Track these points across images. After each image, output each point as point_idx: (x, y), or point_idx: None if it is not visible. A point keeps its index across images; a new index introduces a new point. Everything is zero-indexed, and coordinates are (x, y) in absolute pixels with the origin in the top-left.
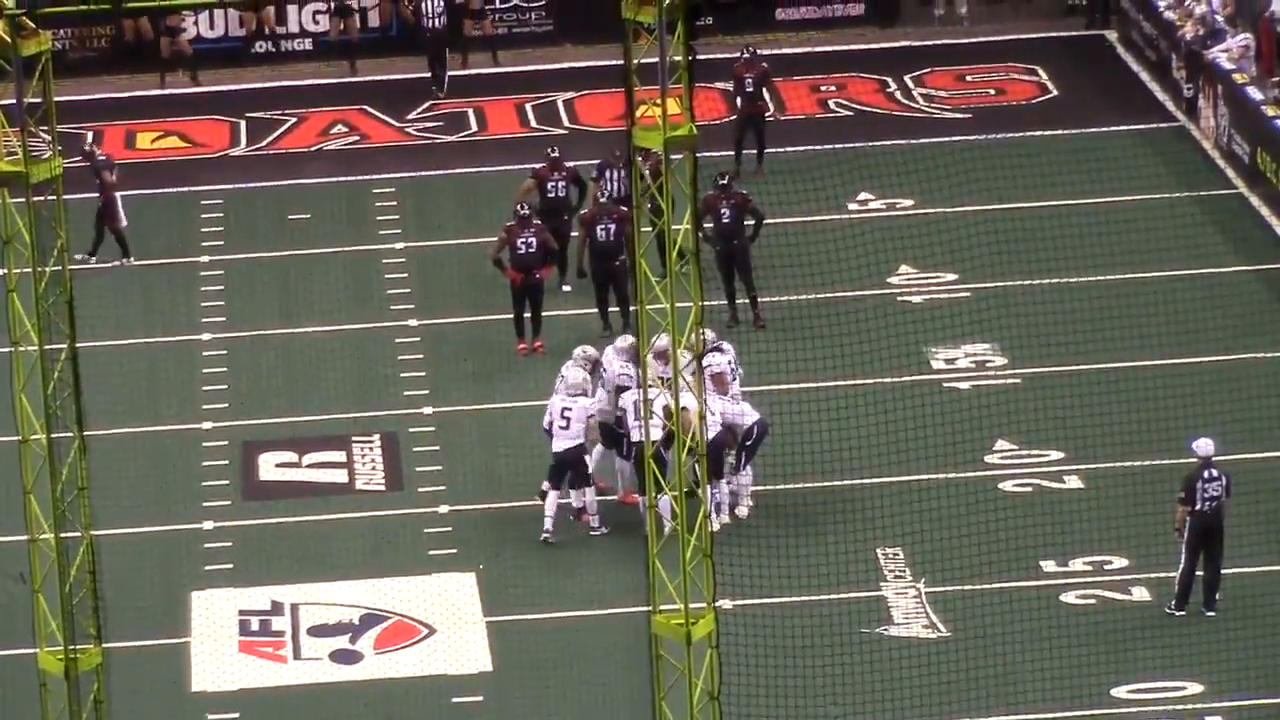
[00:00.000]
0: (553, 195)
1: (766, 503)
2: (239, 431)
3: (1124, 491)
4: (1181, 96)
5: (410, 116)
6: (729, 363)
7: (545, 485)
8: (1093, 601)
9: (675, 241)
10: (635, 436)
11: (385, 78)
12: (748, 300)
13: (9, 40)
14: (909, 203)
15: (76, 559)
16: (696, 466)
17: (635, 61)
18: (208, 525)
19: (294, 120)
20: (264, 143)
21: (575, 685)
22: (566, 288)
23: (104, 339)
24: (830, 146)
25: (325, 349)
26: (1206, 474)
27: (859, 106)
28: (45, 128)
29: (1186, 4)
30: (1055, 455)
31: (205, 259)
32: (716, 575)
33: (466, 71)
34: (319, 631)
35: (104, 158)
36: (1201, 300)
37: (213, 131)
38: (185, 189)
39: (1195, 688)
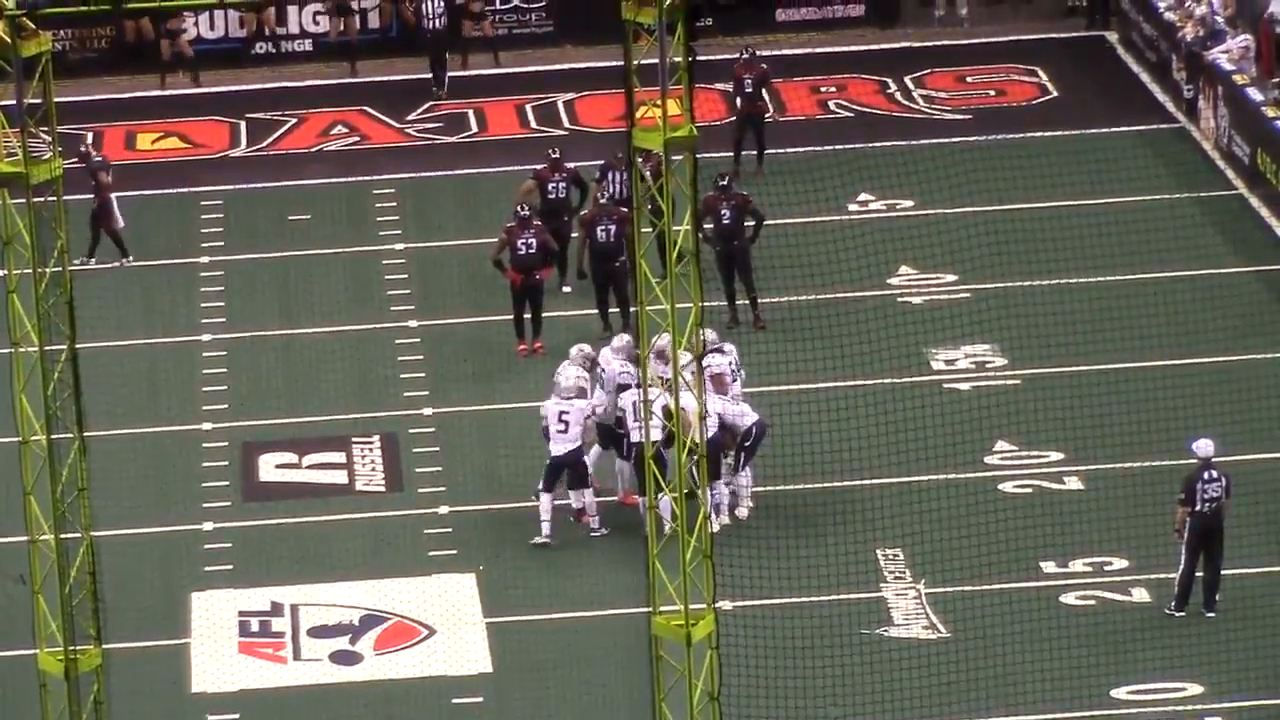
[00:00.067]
0: (553, 196)
1: (766, 504)
2: (239, 432)
3: (1124, 492)
4: (1182, 97)
5: (410, 117)
6: (730, 364)
7: (540, 489)
8: (1093, 602)
9: (675, 243)
10: (635, 437)
11: (385, 79)
12: (748, 301)
13: (9, 41)
14: (909, 204)
15: (76, 560)
16: (694, 469)
17: (635, 62)
18: (208, 526)
19: (294, 121)
20: (264, 143)
21: (575, 686)
22: (566, 289)
23: (104, 340)
24: (830, 147)
25: (325, 350)
26: (1206, 475)
27: (859, 107)
28: (45, 128)
29: (1187, 5)
30: (1055, 456)
31: (205, 260)
32: (716, 576)
33: (467, 72)
34: (319, 632)
35: (99, 159)
36: (1201, 301)
37: (213, 132)
38: (185, 190)
39: (1195, 689)
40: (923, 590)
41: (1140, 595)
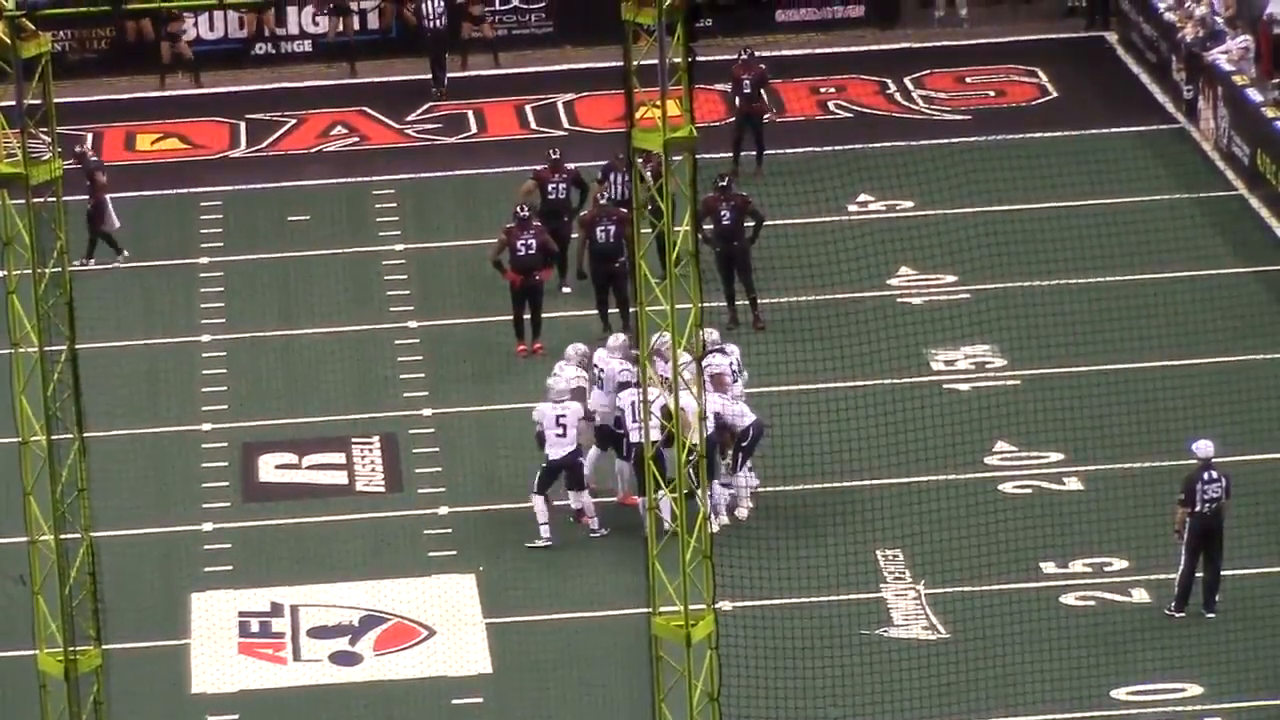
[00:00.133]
0: (553, 197)
1: (766, 504)
2: (239, 433)
3: (1124, 493)
4: (1181, 98)
5: (410, 118)
6: (731, 364)
7: (534, 491)
8: (1092, 603)
9: (675, 243)
10: (635, 437)
11: (385, 79)
12: (747, 302)
13: (9, 42)
14: (909, 204)
15: (76, 560)
16: (692, 470)
17: (635, 63)
18: (207, 527)
19: (294, 122)
20: (264, 144)
21: (575, 687)
22: (566, 289)
23: (104, 340)
24: (830, 148)
25: (325, 350)
26: (1206, 475)
27: (859, 108)
28: (45, 129)
29: (1186, 5)
30: (1055, 457)
31: (205, 260)
32: (716, 577)
33: (466, 73)
34: (319, 633)
35: (95, 159)
36: (1201, 302)
37: (213, 133)
38: (185, 190)
39: (1195, 689)
40: (922, 591)
41: (1140, 596)
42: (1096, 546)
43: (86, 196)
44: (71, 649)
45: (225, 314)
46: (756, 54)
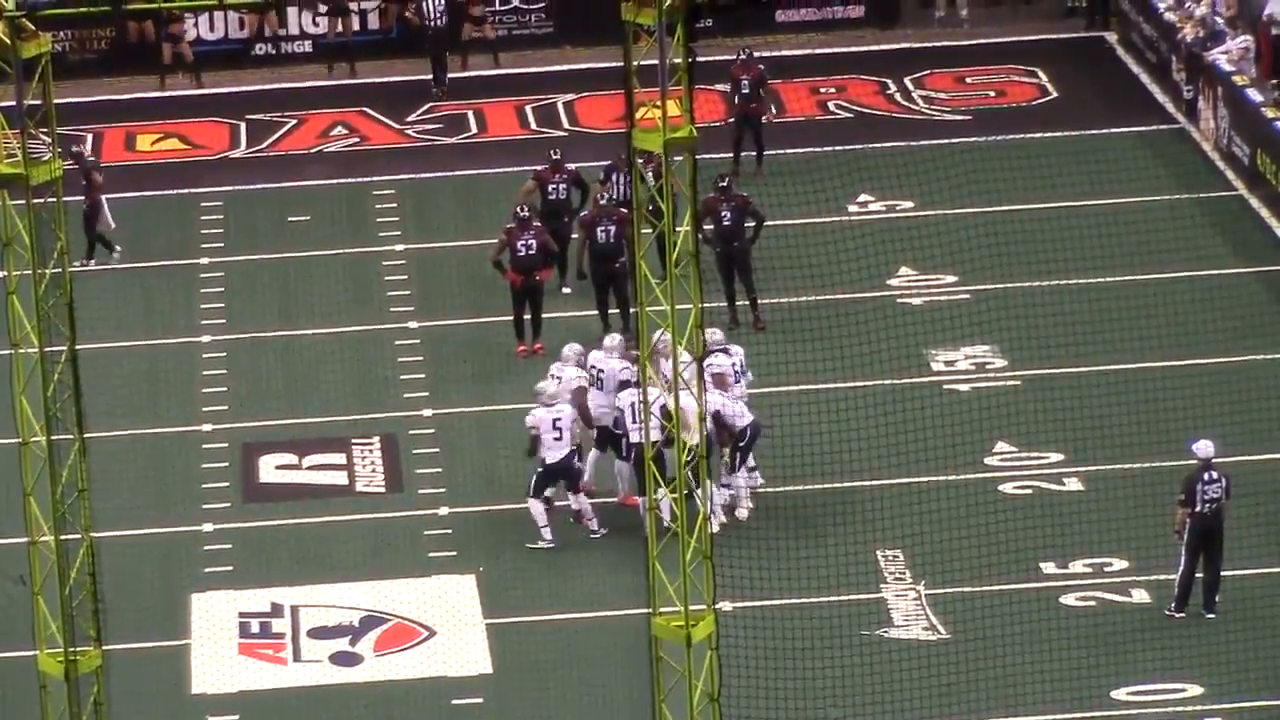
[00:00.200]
0: (553, 197)
1: (767, 504)
2: (239, 433)
3: (1124, 493)
4: (1181, 98)
5: (410, 118)
6: (734, 365)
7: (530, 495)
8: (1093, 603)
9: (675, 244)
10: (635, 438)
11: (385, 80)
12: (748, 302)
13: (9, 42)
14: (909, 205)
15: (76, 561)
16: (692, 472)
17: (635, 63)
18: (208, 527)
19: (294, 122)
20: (264, 144)
21: (575, 687)
22: (566, 290)
23: (104, 341)
24: (830, 148)
25: (325, 351)
26: (1206, 476)
27: (859, 108)
28: (45, 130)
29: (1186, 5)
30: (1055, 457)
31: (205, 261)
32: (716, 577)
33: (467, 73)
34: (319, 634)
35: (92, 159)
36: (1201, 302)
37: (213, 133)
38: (185, 191)
39: (1195, 689)
40: (923, 591)
41: (1140, 596)
42: (1096, 547)
43: (84, 197)
44: (72, 649)
45: (225, 314)
46: (755, 54)
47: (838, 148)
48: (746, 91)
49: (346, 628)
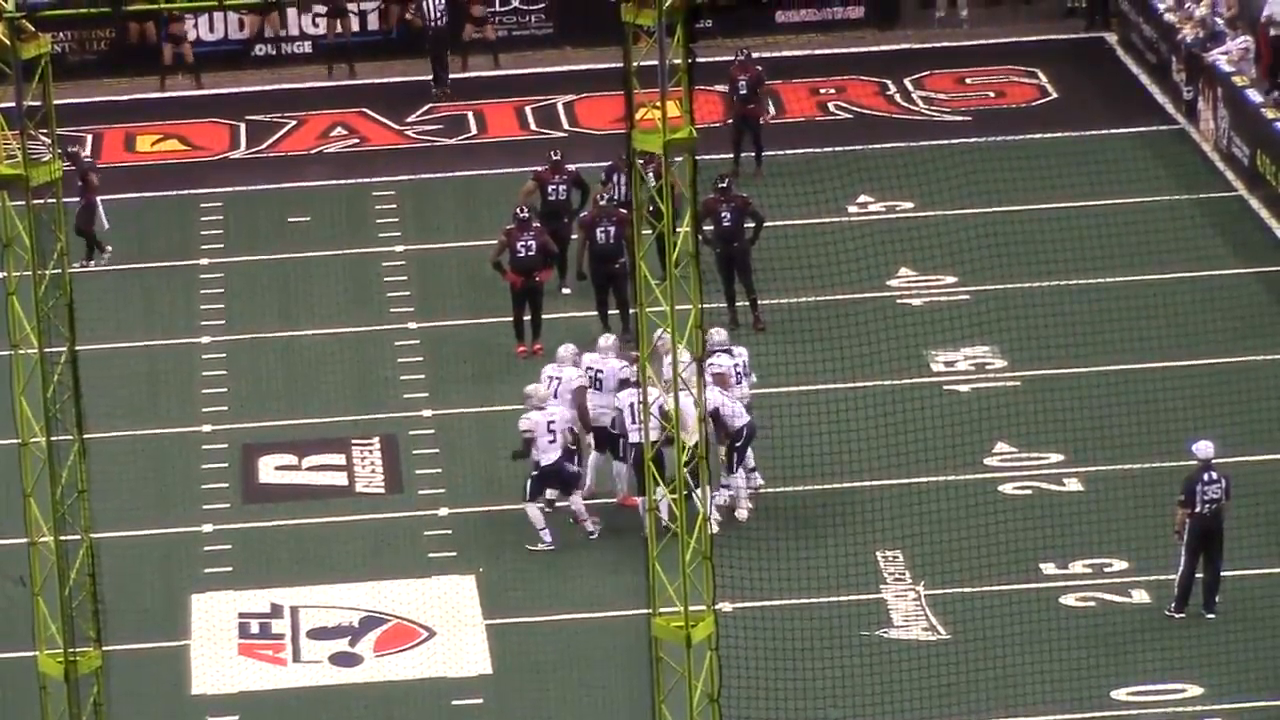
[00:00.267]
0: (553, 198)
1: (766, 505)
2: (239, 434)
3: (1124, 494)
4: (1181, 99)
5: (410, 119)
6: (736, 365)
7: (528, 500)
8: (1092, 604)
9: (675, 244)
10: (634, 438)
11: (385, 80)
12: (748, 303)
13: (9, 43)
14: (909, 205)
15: (76, 562)
16: (690, 473)
17: (635, 64)
18: (207, 528)
19: (294, 123)
20: (264, 145)
21: (575, 688)
22: (566, 290)
23: (104, 342)
24: (830, 149)
25: (325, 351)
26: (1206, 476)
27: (859, 109)
28: (45, 131)
29: (1186, 6)
30: (1055, 458)
31: (205, 261)
32: (716, 578)
33: (466, 74)
34: (319, 634)
35: (89, 160)
36: (1201, 303)
37: (213, 134)
38: (185, 191)
39: (1195, 690)
40: (922, 592)
41: (1140, 596)
42: (1096, 547)
43: (79, 198)
44: (72, 650)
45: (225, 315)
46: (754, 55)
47: (837, 148)
48: (744, 93)
49: (346, 628)
